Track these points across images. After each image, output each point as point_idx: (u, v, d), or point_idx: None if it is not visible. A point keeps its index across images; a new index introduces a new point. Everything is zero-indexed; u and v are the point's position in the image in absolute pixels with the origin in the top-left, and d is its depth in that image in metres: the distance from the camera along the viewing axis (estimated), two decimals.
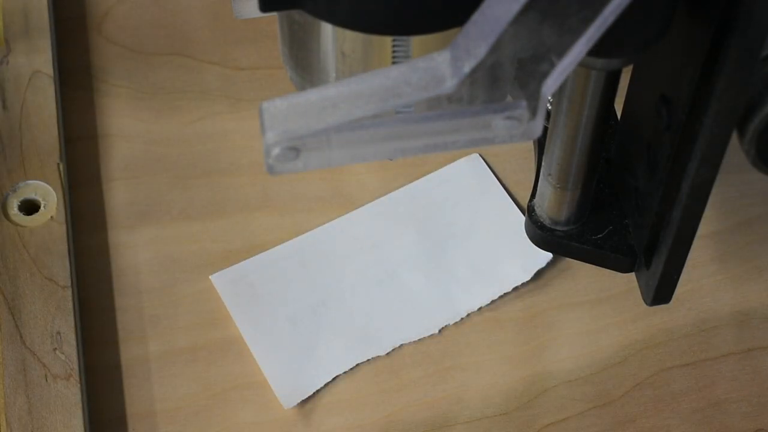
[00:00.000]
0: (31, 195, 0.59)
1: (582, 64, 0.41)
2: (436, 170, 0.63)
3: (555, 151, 0.46)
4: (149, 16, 0.68)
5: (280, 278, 0.59)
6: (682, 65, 0.40)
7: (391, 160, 0.52)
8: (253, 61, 0.67)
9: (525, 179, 0.63)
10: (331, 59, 0.40)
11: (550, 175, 0.47)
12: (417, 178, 0.63)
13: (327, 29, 0.38)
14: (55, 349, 0.55)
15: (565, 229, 0.49)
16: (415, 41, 0.40)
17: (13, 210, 0.59)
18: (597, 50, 0.39)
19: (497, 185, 0.63)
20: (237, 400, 0.56)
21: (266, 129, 0.35)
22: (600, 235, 0.49)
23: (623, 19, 0.37)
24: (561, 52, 0.35)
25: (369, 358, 0.57)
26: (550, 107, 0.46)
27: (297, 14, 0.39)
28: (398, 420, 0.56)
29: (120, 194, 0.62)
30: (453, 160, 0.63)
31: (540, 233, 0.50)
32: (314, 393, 0.56)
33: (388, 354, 0.58)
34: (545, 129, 0.45)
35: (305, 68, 0.42)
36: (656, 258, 0.46)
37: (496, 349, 0.58)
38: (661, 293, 0.47)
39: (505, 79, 0.35)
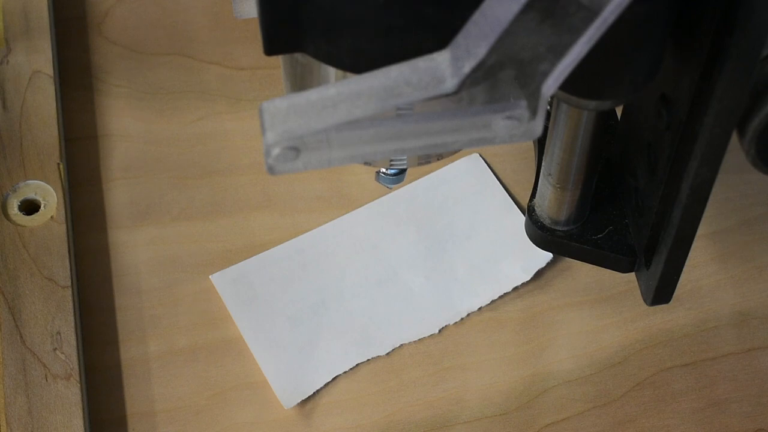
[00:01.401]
0: (31, 195, 0.59)
1: (573, 105, 0.42)
2: (436, 170, 0.63)
3: (555, 151, 0.46)
4: (149, 16, 0.68)
5: (280, 278, 0.59)
6: (682, 65, 0.40)
7: (390, 188, 0.53)
8: (253, 61, 0.67)
9: (525, 179, 0.63)
10: None
11: (550, 175, 0.47)
12: (417, 178, 0.63)
13: (329, 71, 0.39)
14: (55, 349, 0.55)
15: (565, 229, 0.49)
16: None
17: (13, 210, 0.59)
18: (588, 92, 0.40)
19: (497, 185, 0.63)
20: (237, 400, 0.56)
21: (266, 129, 0.35)
22: (600, 235, 0.49)
23: (613, 66, 0.39)
24: (561, 52, 0.35)
25: (369, 358, 0.57)
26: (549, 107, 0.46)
27: (300, 56, 0.39)
28: (398, 420, 0.56)
29: (120, 194, 0.62)
30: (453, 160, 0.63)
31: (540, 233, 0.50)
32: (314, 393, 0.56)
33: (388, 354, 0.58)
34: (545, 129, 0.45)
35: None
36: (656, 258, 0.46)
37: (496, 349, 0.58)
38: (661, 293, 0.47)
39: (505, 78, 0.35)
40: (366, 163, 0.45)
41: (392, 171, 0.48)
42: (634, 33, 0.38)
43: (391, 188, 0.57)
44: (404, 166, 0.46)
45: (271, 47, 0.38)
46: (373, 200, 0.62)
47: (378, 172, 0.49)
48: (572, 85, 0.40)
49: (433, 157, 0.46)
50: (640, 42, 0.39)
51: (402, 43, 0.36)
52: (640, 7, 0.37)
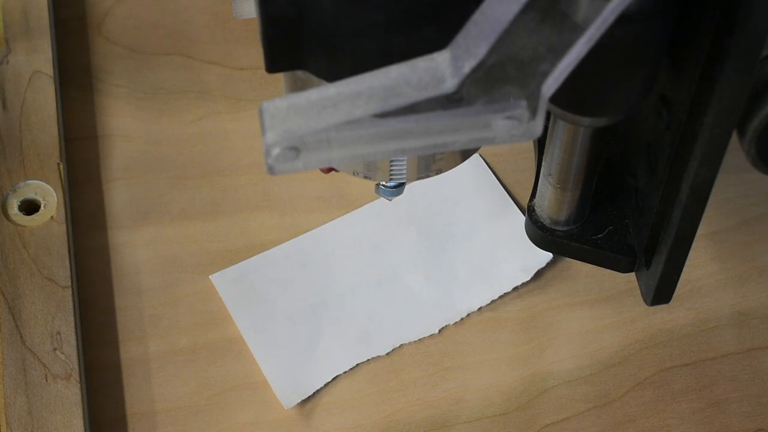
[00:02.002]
0: (31, 195, 0.59)
1: (569, 121, 0.42)
2: None
3: (555, 151, 0.46)
4: (149, 16, 0.68)
5: (280, 278, 0.59)
6: (682, 65, 0.40)
7: (390, 200, 0.54)
8: (253, 61, 0.67)
9: (525, 179, 0.63)
10: None
11: (550, 175, 0.47)
12: None
13: None
14: (55, 349, 0.55)
15: (565, 229, 0.49)
16: None
17: (13, 210, 0.59)
18: (583, 110, 0.41)
19: (497, 185, 0.63)
20: (237, 400, 0.56)
21: (266, 129, 0.35)
22: (600, 235, 0.49)
23: (608, 85, 0.40)
24: (561, 52, 0.35)
25: (369, 358, 0.57)
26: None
27: (300, 72, 0.39)
28: (398, 420, 0.56)
29: (120, 194, 0.62)
30: None
31: (540, 233, 0.50)
32: (314, 393, 0.56)
33: (388, 354, 0.58)
34: (545, 129, 0.45)
35: None
36: (656, 258, 0.46)
37: (496, 349, 0.58)
38: (661, 293, 0.47)
39: (505, 79, 0.35)
40: (366, 177, 0.46)
41: (392, 183, 0.48)
42: (628, 52, 0.39)
43: (390, 200, 0.57)
44: (403, 180, 0.47)
45: (273, 65, 0.38)
46: (373, 200, 0.62)
47: (378, 185, 0.49)
48: (567, 102, 0.41)
49: (432, 171, 0.46)
50: (635, 61, 0.39)
51: (403, 61, 0.36)
52: (634, 26, 0.37)
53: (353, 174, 0.47)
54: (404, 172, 0.46)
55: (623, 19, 0.37)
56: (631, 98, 0.41)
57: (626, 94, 0.41)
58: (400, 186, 0.50)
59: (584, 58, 0.38)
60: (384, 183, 0.49)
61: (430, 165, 0.47)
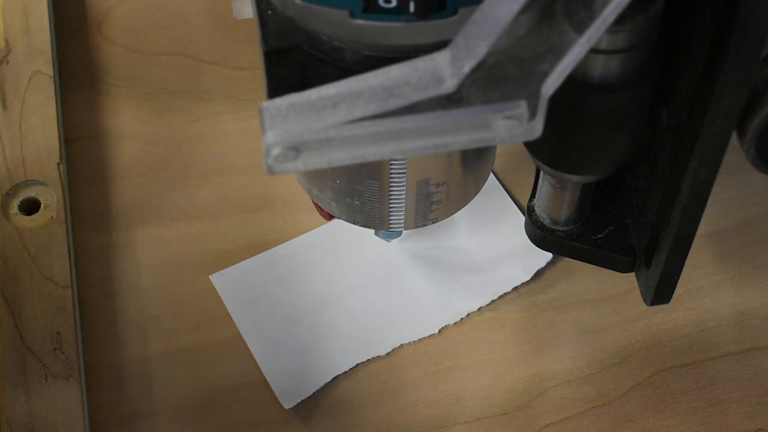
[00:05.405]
0: (31, 195, 0.59)
1: (557, 177, 0.44)
2: None
3: None
4: (149, 16, 0.68)
5: (280, 278, 0.59)
6: (682, 65, 0.40)
7: (389, 241, 0.55)
8: (253, 61, 0.67)
9: (525, 179, 0.63)
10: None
11: (550, 175, 0.47)
12: None
13: None
14: (55, 349, 0.55)
15: (565, 229, 0.49)
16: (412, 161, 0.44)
17: (13, 210, 0.59)
18: (569, 170, 0.43)
19: (497, 185, 0.63)
20: (237, 400, 0.56)
21: (266, 129, 0.35)
22: (600, 235, 0.49)
23: (593, 149, 0.41)
24: (561, 52, 0.35)
25: (369, 358, 0.57)
26: None
27: None
28: (398, 420, 0.56)
29: (120, 194, 0.62)
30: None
31: (540, 233, 0.50)
32: (314, 393, 0.56)
33: (388, 354, 0.58)
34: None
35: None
36: (656, 258, 0.46)
37: (496, 349, 0.58)
38: (661, 293, 0.47)
39: (505, 79, 0.35)
40: (365, 227, 0.47)
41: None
42: (612, 118, 0.40)
43: (389, 242, 0.58)
44: (401, 230, 0.49)
45: None
46: None
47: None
48: (554, 162, 0.43)
49: (429, 220, 0.47)
50: (619, 126, 0.40)
51: None
52: (617, 95, 0.38)
53: (354, 224, 0.48)
54: (402, 222, 0.47)
55: (605, 88, 0.38)
56: (617, 158, 0.42)
57: (611, 155, 0.42)
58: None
59: (568, 123, 0.39)
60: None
61: (427, 215, 0.48)
